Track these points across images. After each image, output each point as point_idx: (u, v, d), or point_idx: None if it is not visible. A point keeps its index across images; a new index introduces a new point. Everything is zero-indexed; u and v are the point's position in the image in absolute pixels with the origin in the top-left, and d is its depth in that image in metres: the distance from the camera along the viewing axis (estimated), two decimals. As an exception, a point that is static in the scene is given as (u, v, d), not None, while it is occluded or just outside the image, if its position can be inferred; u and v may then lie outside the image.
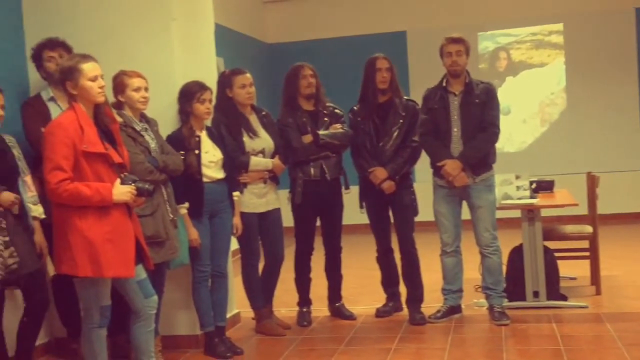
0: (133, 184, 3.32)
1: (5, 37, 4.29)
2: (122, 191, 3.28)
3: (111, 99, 3.82)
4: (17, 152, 3.79)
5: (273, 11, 9.67)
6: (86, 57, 3.32)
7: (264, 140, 4.57)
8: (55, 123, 3.29)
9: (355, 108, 4.90)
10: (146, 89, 3.95)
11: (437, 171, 4.71)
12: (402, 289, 5.01)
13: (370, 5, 9.42)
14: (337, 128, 4.78)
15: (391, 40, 8.91)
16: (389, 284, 5.04)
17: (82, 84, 3.26)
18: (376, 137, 4.79)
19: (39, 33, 4.27)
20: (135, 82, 3.90)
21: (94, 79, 3.27)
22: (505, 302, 4.83)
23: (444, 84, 4.72)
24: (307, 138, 4.72)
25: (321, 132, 4.72)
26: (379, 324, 4.87)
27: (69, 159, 3.18)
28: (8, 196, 3.56)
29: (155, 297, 3.54)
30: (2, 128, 3.73)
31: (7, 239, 3.52)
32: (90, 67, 3.28)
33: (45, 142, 3.24)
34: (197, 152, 4.15)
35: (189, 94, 4.18)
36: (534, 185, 5.37)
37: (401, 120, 4.77)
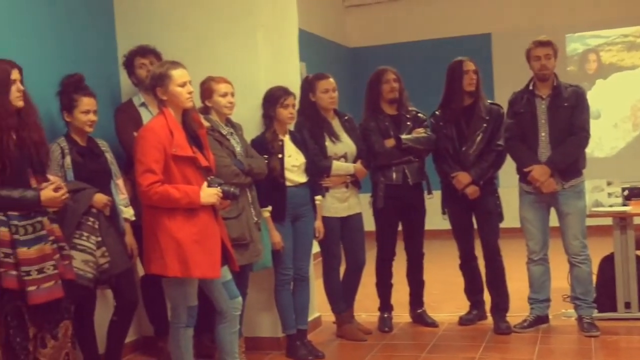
0: (219, 187, 3.39)
1: (98, 45, 4.45)
2: (208, 193, 3.35)
3: (198, 104, 3.91)
4: (109, 156, 3.92)
5: (355, 15, 9.67)
6: (176, 64, 3.41)
7: (346, 144, 4.58)
8: (147, 128, 3.40)
9: (437, 112, 4.84)
10: (232, 94, 4.02)
11: (524, 177, 4.59)
12: (487, 297, 4.90)
13: (454, 8, 9.29)
14: (420, 132, 4.74)
15: (475, 43, 8.75)
16: (472, 291, 4.95)
17: (172, 90, 3.36)
18: (459, 141, 4.72)
19: (130, 40, 4.42)
20: (222, 87, 3.98)
21: (182, 85, 3.37)
22: (595, 313, 4.65)
23: (531, 87, 4.60)
24: (390, 142, 4.69)
25: (404, 136, 4.68)
26: (462, 332, 4.79)
27: (160, 162, 3.28)
28: (101, 198, 3.69)
29: (240, 299, 3.60)
30: (96, 132, 3.87)
31: (99, 239, 3.65)
32: (180, 74, 3.37)
33: (137, 146, 3.35)
34: (280, 156, 4.20)
35: (273, 98, 4.23)
36: (626, 192, 5.16)
37: (485, 125, 4.68)
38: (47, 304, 3.27)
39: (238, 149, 4.01)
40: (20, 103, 3.33)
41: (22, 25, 3.81)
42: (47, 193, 3.29)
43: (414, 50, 9.21)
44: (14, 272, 3.21)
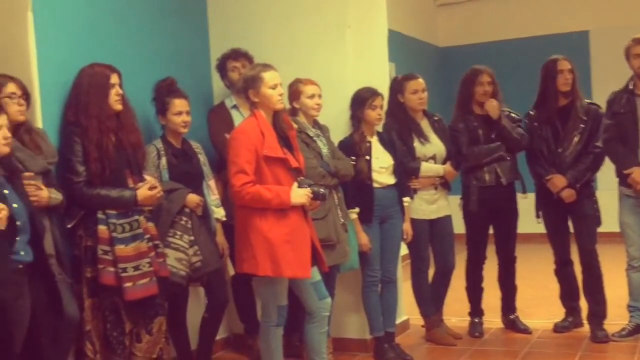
0: (309, 188, 3.42)
1: (192, 48, 4.57)
2: (299, 194, 3.38)
3: (287, 106, 3.95)
4: (202, 157, 4.02)
5: (446, 14, 9.53)
6: (267, 66, 3.47)
7: (436, 145, 4.51)
8: (239, 129, 3.47)
9: (531, 113, 4.70)
10: (320, 96, 4.04)
11: (624, 180, 4.38)
12: (583, 304, 4.73)
13: (549, 4, 8.99)
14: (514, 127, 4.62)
15: (572, 41, 8.44)
16: (568, 298, 4.78)
17: (263, 92, 3.41)
18: (554, 142, 4.57)
19: (223, 43, 4.51)
20: (310, 89, 4.01)
21: (274, 87, 3.41)
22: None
23: (631, 87, 4.40)
24: (491, 103, 4.53)
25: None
26: (556, 339, 4.63)
27: (252, 163, 3.33)
28: (193, 198, 3.79)
29: (329, 300, 3.62)
30: (190, 134, 3.98)
31: (192, 238, 3.75)
32: (271, 76, 3.42)
33: (229, 148, 3.42)
34: (367, 157, 4.18)
35: (361, 100, 4.22)
36: None
37: (582, 125, 4.52)
38: (143, 300, 3.39)
39: (325, 150, 4.03)
40: (119, 106, 3.46)
41: (120, 30, 3.95)
42: (143, 192, 3.41)
43: (506, 48, 8.97)
44: (111, 269, 3.34)
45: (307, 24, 4.53)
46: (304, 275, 3.43)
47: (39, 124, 3.38)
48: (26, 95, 3.18)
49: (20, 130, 3.16)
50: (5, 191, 2.78)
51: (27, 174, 3.03)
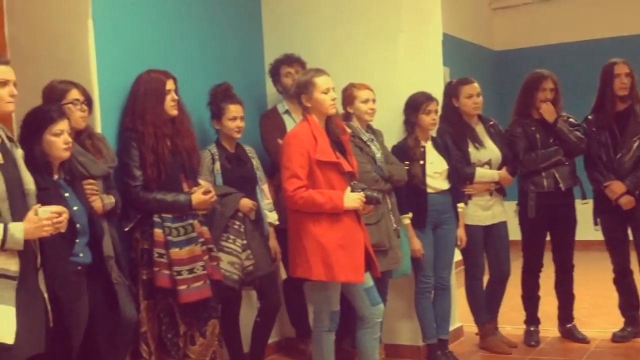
0: (362, 192, 3.41)
1: (247, 53, 4.61)
2: (352, 198, 3.38)
3: (341, 110, 3.95)
4: (256, 162, 4.05)
5: (502, 17, 9.40)
6: (320, 71, 3.48)
7: (491, 151, 4.45)
8: (292, 134, 3.49)
9: (589, 117, 4.60)
10: (374, 101, 4.03)
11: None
12: (643, 314, 4.59)
13: (609, 7, 8.76)
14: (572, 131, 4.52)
15: (633, 44, 8.21)
16: (627, 307, 4.64)
17: (316, 97, 3.42)
18: (613, 148, 4.45)
19: (276, 48, 4.54)
20: (364, 94, 4.00)
21: (326, 92, 3.42)
22: None
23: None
24: (546, 107, 4.45)
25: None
26: (615, 349, 4.50)
27: (304, 168, 3.34)
28: (247, 203, 3.82)
29: (382, 306, 3.60)
30: (243, 139, 4.01)
31: (244, 242, 3.78)
32: (323, 81, 3.43)
33: (282, 152, 3.45)
34: (421, 162, 4.15)
35: (415, 104, 4.20)
36: None
37: (642, 131, 4.40)
38: (197, 302, 3.43)
39: (378, 155, 4.01)
40: (174, 112, 3.52)
41: (177, 36, 4.02)
42: (197, 196, 3.46)
43: (564, 52, 8.79)
44: (166, 272, 3.40)
45: (361, 29, 4.53)
46: (358, 280, 3.42)
47: (98, 129, 3.46)
48: (88, 102, 3.26)
49: (82, 135, 3.24)
50: (66, 194, 2.86)
51: (87, 180, 3.10)
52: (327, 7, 4.62)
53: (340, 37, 4.57)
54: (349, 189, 3.41)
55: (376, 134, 4.13)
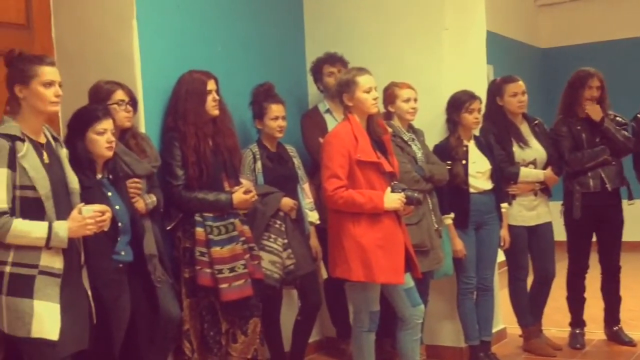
0: (403, 192, 3.38)
1: (289, 52, 4.62)
2: (392, 199, 3.35)
3: (382, 109, 3.93)
4: (297, 161, 4.06)
5: (547, 14, 9.24)
6: (362, 70, 3.46)
7: (536, 150, 4.38)
8: (333, 133, 3.48)
9: (639, 116, 4.48)
10: (415, 100, 4.00)
11: None
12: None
13: (658, 3, 8.55)
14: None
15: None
16: (676, 310, 4.53)
17: (358, 96, 3.40)
18: (664, 147, 4.35)
19: (318, 47, 4.54)
20: (406, 93, 3.98)
21: (368, 91, 3.40)
22: None
23: None
24: (592, 106, 4.35)
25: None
26: (662, 353, 4.40)
27: (345, 168, 3.33)
28: (288, 202, 3.83)
29: (422, 307, 3.57)
30: (285, 138, 4.02)
31: (285, 241, 3.79)
32: (366, 80, 3.41)
33: (323, 152, 3.44)
34: (464, 162, 4.11)
35: (458, 103, 4.16)
36: None
37: (694, 128, 4.28)
38: (238, 301, 3.45)
39: (419, 155, 3.98)
40: (215, 112, 3.55)
41: (219, 36, 4.04)
42: (238, 196, 3.48)
43: (611, 49, 8.58)
44: (208, 270, 3.43)
45: (403, 27, 4.50)
46: (397, 281, 3.40)
47: (142, 129, 3.51)
48: (133, 102, 3.31)
49: (127, 135, 3.29)
50: (109, 193, 2.91)
51: (131, 179, 3.15)
52: (369, 6, 4.60)
53: (383, 36, 4.54)
54: (389, 189, 3.38)
55: (417, 133, 4.10)
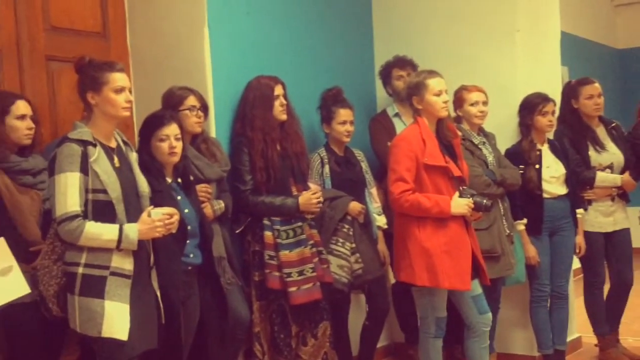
0: (471, 198, 3.33)
1: (357, 56, 4.62)
2: (459, 204, 3.31)
3: (452, 113, 3.89)
4: (365, 165, 4.06)
5: (625, 14, 8.93)
6: (432, 73, 3.43)
7: (613, 154, 4.25)
8: (400, 137, 3.46)
9: None
10: (484, 103, 3.94)
11: None
12: None
13: None
14: None
15: None
16: None
17: (428, 99, 3.37)
18: None
19: (387, 50, 4.51)
20: (473, 96, 3.92)
21: (438, 94, 3.37)
22: None
23: None
24: None
25: None
26: None
27: (411, 171, 3.31)
28: (355, 206, 3.82)
29: (490, 315, 3.51)
30: (352, 142, 4.02)
31: (353, 245, 3.78)
32: (436, 83, 3.38)
33: (390, 155, 3.43)
34: (537, 166, 4.03)
35: (531, 106, 4.08)
36: None
37: None
38: (307, 304, 3.47)
39: (490, 158, 3.92)
40: (283, 116, 3.58)
41: (288, 41, 4.08)
42: (304, 199, 3.50)
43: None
44: (277, 274, 3.46)
45: (474, 29, 4.44)
46: (463, 288, 3.35)
47: (212, 134, 3.58)
48: (204, 107, 3.37)
49: (198, 139, 3.36)
50: (178, 197, 2.97)
51: (201, 185, 3.21)
52: (438, 8, 4.56)
53: (453, 38, 4.49)
54: (457, 194, 3.34)
55: (488, 136, 4.04)
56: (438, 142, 3.40)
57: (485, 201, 3.35)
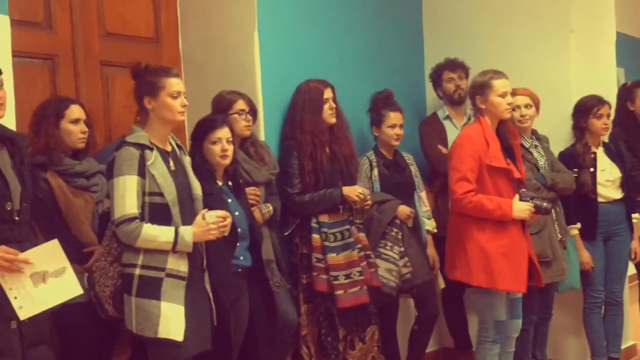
0: (531, 201, 3.30)
1: (407, 58, 4.59)
2: (521, 208, 3.29)
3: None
4: (414, 168, 4.03)
5: (685, 13, 8.67)
6: (498, 73, 3.42)
7: (671, 157, 4.14)
8: (464, 135, 3.44)
9: None
10: (527, 106, 3.88)
11: None
12: None
13: None
14: None
15: None
16: None
17: (492, 100, 3.35)
18: None
19: (437, 52, 4.47)
20: (516, 100, 3.83)
21: (503, 95, 3.36)
22: None
23: None
24: None
25: None
26: None
27: (474, 171, 3.30)
28: (404, 210, 3.79)
29: (520, 321, 3.48)
30: (402, 145, 4.00)
31: (402, 249, 3.76)
32: (502, 84, 3.37)
33: (453, 154, 3.40)
34: (592, 169, 3.96)
35: (585, 108, 4.01)
36: None
37: None
38: (355, 307, 3.46)
39: (542, 162, 3.86)
40: (332, 120, 3.59)
41: (338, 44, 4.08)
42: (347, 189, 3.50)
43: None
44: (324, 276, 3.46)
45: (526, 30, 4.37)
46: (519, 290, 3.34)
47: (261, 137, 3.60)
48: (253, 111, 3.40)
49: (247, 143, 3.39)
50: (229, 200, 3.00)
51: (250, 188, 3.23)
52: (490, 10, 4.50)
53: (505, 40, 4.43)
54: (517, 197, 3.31)
55: (541, 140, 3.98)
56: (499, 143, 3.37)
57: (545, 204, 3.33)
